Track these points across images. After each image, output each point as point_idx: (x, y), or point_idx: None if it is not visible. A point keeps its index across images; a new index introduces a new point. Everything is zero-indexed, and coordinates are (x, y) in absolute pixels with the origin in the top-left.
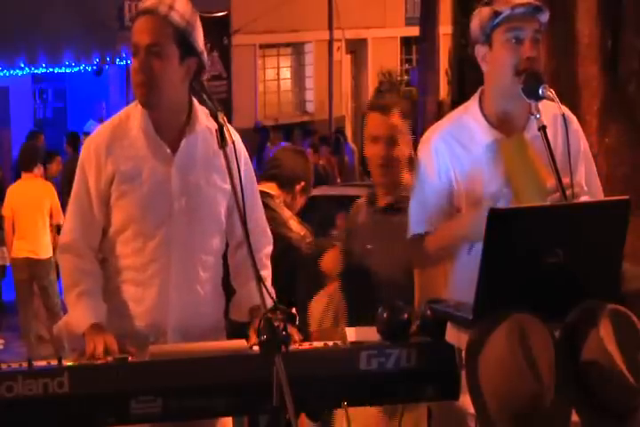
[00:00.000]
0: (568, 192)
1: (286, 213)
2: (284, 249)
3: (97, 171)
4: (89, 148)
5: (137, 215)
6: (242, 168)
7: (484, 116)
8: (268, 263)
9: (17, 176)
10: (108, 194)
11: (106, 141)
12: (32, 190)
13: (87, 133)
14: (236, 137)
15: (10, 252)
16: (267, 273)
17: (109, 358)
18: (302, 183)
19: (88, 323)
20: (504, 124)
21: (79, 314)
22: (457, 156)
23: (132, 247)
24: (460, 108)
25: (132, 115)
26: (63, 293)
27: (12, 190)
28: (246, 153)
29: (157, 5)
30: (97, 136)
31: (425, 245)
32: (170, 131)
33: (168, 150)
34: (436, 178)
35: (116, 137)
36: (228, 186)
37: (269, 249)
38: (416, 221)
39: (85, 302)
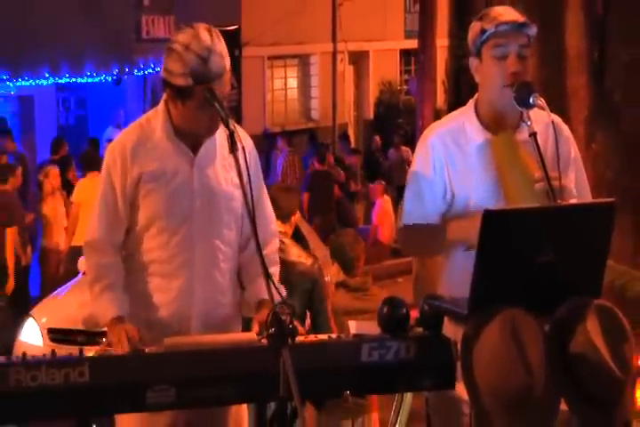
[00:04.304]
0: (555, 183)
1: (294, 249)
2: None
3: (122, 174)
4: (113, 152)
5: (162, 212)
6: (252, 170)
7: (479, 119)
8: (276, 259)
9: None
10: (134, 194)
11: (130, 145)
12: (95, 187)
13: (110, 140)
14: (247, 140)
15: (69, 240)
16: (275, 269)
17: (128, 349)
18: (297, 214)
19: (110, 316)
20: (497, 128)
21: (103, 307)
22: (451, 154)
23: (158, 242)
24: (458, 111)
25: (153, 119)
26: (88, 286)
27: (81, 184)
28: (256, 154)
29: (224, 64)
30: (120, 141)
31: (419, 235)
32: (191, 134)
33: (190, 153)
34: (431, 173)
35: (140, 141)
36: (247, 188)
37: (275, 243)
38: (410, 213)
39: (108, 295)
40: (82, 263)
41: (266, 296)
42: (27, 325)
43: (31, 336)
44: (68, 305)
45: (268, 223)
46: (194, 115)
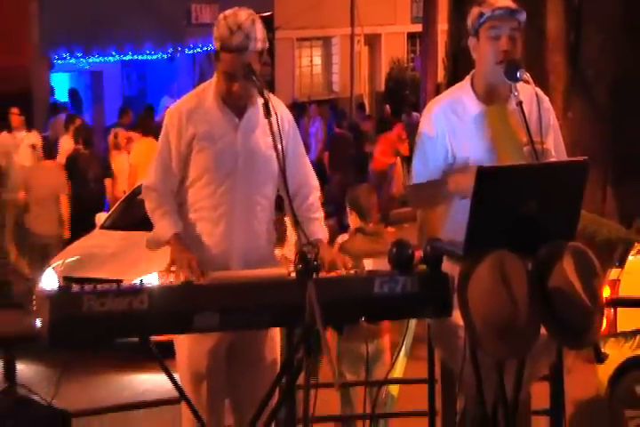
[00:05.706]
0: (538, 146)
1: None
2: None
3: (178, 134)
4: (172, 115)
5: (211, 166)
6: (289, 131)
7: (474, 92)
8: (319, 205)
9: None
10: (187, 151)
11: (187, 110)
12: (151, 148)
13: (167, 108)
14: (283, 108)
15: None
16: (320, 214)
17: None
18: None
19: (171, 232)
20: (490, 99)
21: (164, 226)
22: (451, 123)
23: (206, 192)
24: (456, 86)
25: (207, 89)
26: (149, 215)
27: (136, 148)
28: (292, 120)
29: (247, 43)
30: (179, 106)
31: (425, 191)
32: (236, 103)
33: (235, 119)
34: (434, 140)
35: (195, 106)
36: (279, 146)
37: (316, 194)
38: (417, 174)
39: (168, 218)
40: (99, 218)
41: (318, 236)
42: (46, 273)
43: (50, 285)
44: (82, 256)
45: (308, 179)
46: (225, 81)
